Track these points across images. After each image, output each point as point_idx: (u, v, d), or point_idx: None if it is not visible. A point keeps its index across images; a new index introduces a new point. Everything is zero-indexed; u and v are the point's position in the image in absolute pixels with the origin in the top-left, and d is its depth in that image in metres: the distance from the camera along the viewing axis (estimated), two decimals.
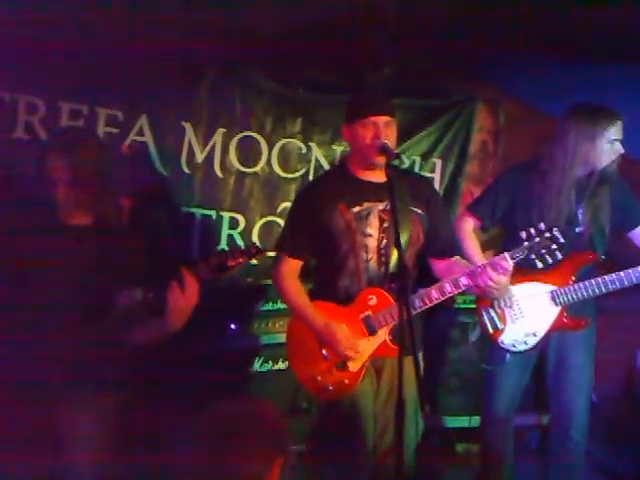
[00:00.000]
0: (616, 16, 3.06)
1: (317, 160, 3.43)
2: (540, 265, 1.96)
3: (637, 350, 3.34)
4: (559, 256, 1.95)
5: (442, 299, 2.08)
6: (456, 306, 3.20)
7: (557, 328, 2.42)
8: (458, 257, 2.23)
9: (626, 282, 2.32)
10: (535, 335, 2.42)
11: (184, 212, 3.22)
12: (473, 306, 2.70)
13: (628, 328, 3.39)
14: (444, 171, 3.56)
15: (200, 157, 3.27)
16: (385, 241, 2.11)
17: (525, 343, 2.43)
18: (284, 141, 3.40)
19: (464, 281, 2.03)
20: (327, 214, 2.13)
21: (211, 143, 3.27)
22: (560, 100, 3.50)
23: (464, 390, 3.17)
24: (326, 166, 3.39)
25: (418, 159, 3.53)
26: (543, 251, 1.94)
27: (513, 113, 3.59)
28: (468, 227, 2.54)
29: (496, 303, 2.43)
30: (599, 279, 2.35)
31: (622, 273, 2.32)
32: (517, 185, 2.46)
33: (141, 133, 3.15)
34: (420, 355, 2.17)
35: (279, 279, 2.19)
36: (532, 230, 1.94)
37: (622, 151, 2.32)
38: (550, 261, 1.95)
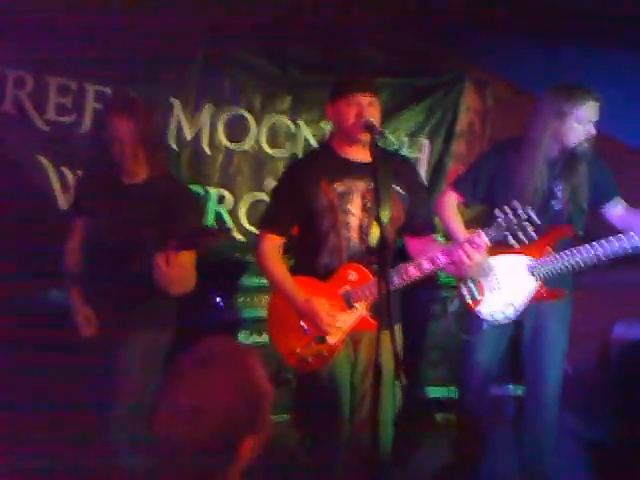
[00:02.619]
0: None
1: (305, 138, 3.46)
2: (515, 244, 2.01)
3: (613, 324, 3.43)
4: (534, 236, 1.99)
5: (420, 276, 2.14)
6: (438, 281, 3.27)
7: (535, 300, 2.47)
8: (434, 236, 2.29)
9: (603, 254, 2.36)
10: (513, 305, 2.48)
11: None
12: (454, 281, 2.77)
13: (604, 302, 3.48)
14: (432, 150, 3.59)
15: (188, 133, 3.30)
16: (367, 219, 2.16)
17: (503, 313, 2.49)
18: (273, 119, 3.43)
19: (441, 258, 2.09)
20: (310, 192, 2.17)
21: (199, 120, 3.30)
22: (547, 82, 3.54)
23: (444, 362, 3.27)
24: (314, 144, 3.42)
25: (406, 139, 3.56)
26: (518, 230, 1.98)
27: (500, 94, 3.62)
28: (451, 202, 2.59)
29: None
30: (574, 250, 2.39)
31: (598, 244, 2.36)
32: (498, 163, 2.51)
33: None
34: (398, 328, 2.25)
35: (261, 255, 2.24)
36: (507, 209, 1.99)
37: (593, 132, 2.33)
38: (525, 240, 1.99)
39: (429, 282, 3.19)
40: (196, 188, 3.28)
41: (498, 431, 2.93)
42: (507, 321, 2.51)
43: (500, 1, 3.19)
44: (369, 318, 2.16)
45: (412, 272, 2.13)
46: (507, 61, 3.52)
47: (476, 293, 2.52)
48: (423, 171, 3.56)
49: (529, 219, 1.97)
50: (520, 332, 2.59)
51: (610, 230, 2.49)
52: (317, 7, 3.24)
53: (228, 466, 1.12)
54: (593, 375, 3.37)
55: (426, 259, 2.12)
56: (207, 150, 3.33)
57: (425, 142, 3.58)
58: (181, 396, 1.09)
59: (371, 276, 2.14)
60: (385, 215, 2.13)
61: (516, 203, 1.99)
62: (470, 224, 2.68)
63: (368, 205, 2.15)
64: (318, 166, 2.21)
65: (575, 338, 2.89)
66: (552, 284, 2.46)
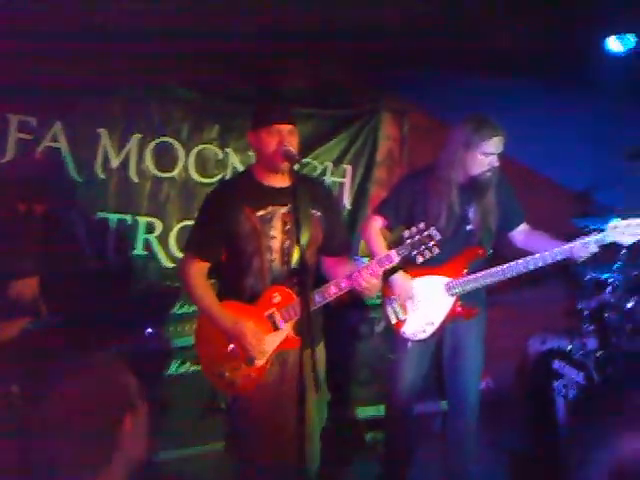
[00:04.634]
0: (513, 33, 3.37)
1: (234, 166, 3.55)
2: (420, 260, 2.16)
3: (529, 339, 3.65)
4: (436, 251, 2.15)
5: (339, 294, 2.25)
6: (366, 302, 3.40)
7: (452, 317, 2.64)
8: (348, 258, 2.41)
9: (509, 273, 2.56)
10: (433, 324, 2.64)
11: (98, 217, 3.25)
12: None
13: (521, 319, 3.71)
14: (354, 176, 3.78)
15: (115, 162, 3.31)
16: (288, 242, 2.26)
17: (424, 332, 2.64)
18: (201, 147, 3.50)
19: (343, 283, 2.22)
20: (234, 218, 2.24)
21: (127, 149, 3.33)
22: (461, 111, 3.80)
23: (374, 381, 3.38)
24: None
25: (330, 165, 3.73)
26: (422, 247, 2.14)
27: (417, 123, 3.85)
28: (375, 226, 2.73)
29: (398, 296, 2.63)
30: (486, 271, 2.59)
31: (505, 265, 2.56)
32: (415, 188, 2.68)
33: (55, 139, 3.17)
34: (321, 345, 2.35)
35: (188, 280, 2.29)
36: (413, 229, 2.15)
37: (496, 164, 2.54)
38: (428, 256, 2.15)
39: (358, 303, 3.33)
40: (124, 217, 3.29)
41: (427, 445, 3.04)
42: (429, 339, 2.66)
43: (416, 34, 3.41)
44: (294, 336, 2.24)
45: (332, 291, 2.23)
46: (423, 91, 3.75)
47: (400, 313, 2.65)
48: (347, 195, 3.74)
49: (432, 237, 2.13)
50: (441, 350, 2.73)
51: (515, 251, 2.70)
52: (243, 39, 3.36)
53: (111, 454, 1.18)
54: (511, 387, 3.57)
55: (344, 279, 2.23)
56: (135, 178, 3.35)
57: (348, 168, 3.76)
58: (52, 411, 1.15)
59: (294, 296, 2.22)
60: (304, 237, 2.24)
61: (422, 224, 2.15)
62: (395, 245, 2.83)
63: (288, 228, 2.25)
64: (240, 193, 2.29)
65: (496, 353, 3.07)
66: (467, 301, 2.63)
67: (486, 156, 2.52)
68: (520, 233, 2.74)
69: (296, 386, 1.95)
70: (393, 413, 2.83)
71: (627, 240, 2.45)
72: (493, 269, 2.58)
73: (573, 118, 3.81)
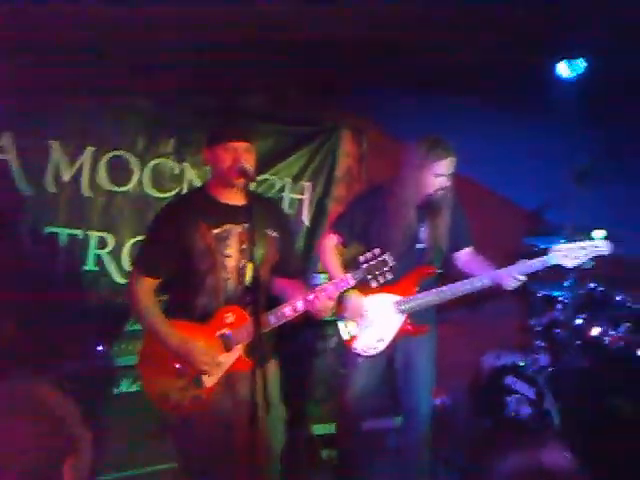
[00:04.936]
0: (468, 53, 3.46)
1: (190, 180, 3.51)
2: (374, 284, 2.19)
3: (482, 356, 3.71)
4: (389, 277, 2.19)
5: (295, 315, 2.24)
6: (323, 320, 3.38)
7: (402, 334, 2.67)
8: (301, 281, 2.40)
9: (456, 293, 2.61)
10: (383, 340, 2.66)
11: (48, 232, 3.16)
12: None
13: (477, 335, 3.77)
14: (313, 193, 3.79)
15: (67, 175, 3.23)
16: (243, 261, 2.23)
17: (375, 348, 2.66)
18: (156, 161, 3.44)
19: (299, 306, 2.22)
20: (188, 235, 2.20)
21: (79, 161, 3.25)
22: (417, 130, 3.86)
23: (330, 398, 3.36)
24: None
25: (289, 181, 3.73)
26: (377, 272, 2.17)
27: (375, 141, 3.89)
28: (331, 244, 2.75)
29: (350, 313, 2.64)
30: (433, 290, 2.64)
31: (453, 285, 2.62)
32: (370, 205, 2.70)
33: (3, 151, 3.07)
34: (274, 364, 2.33)
35: (134, 296, 2.22)
36: (369, 254, 2.18)
37: (446, 185, 2.59)
38: (382, 281, 2.19)
39: (311, 320, 3.31)
40: (75, 232, 3.20)
41: (382, 461, 3.04)
42: (379, 355, 2.67)
43: (372, 53, 3.46)
44: (245, 358, 2.20)
45: (287, 313, 2.22)
46: (381, 110, 3.80)
47: (352, 330, 2.67)
48: (306, 212, 3.74)
49: (386, 263, 2.16)
50: (393, 366, 2.75)
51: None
52: (202, 53, 3.34)
53: None
54: (466, 404, 3.61)
55: (300, 301, 2.21)
56: (87, 192, 3.27)
57: (307, 185, 3.77)
58: None
59: (248, 317, 2.19)
60: (260, 257, 2.23)
61: (378, 250, 2.17)
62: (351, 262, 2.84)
63: (244, 247, 2.22)
64: (196, 209, 2.25)
65: (451, 369, 3.10)
66: (417, 319, 2.66)
67: (437, 177, 2.56)
68: (465, 255, 2.79)
69: (247, 408, 1.93)
70: (343, 428, 2.84)
71: (569, 263, 2.53)
72: (440, 288, 2.63)
73: (526, 138, 3.93)
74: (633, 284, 3.31)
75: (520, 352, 3.50)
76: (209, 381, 2.18)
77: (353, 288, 2.49)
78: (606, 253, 2.54)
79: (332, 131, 3.81)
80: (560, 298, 3.30)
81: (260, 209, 2.25)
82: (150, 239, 2.31)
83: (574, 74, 3.66)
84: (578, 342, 3.21)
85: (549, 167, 3.73)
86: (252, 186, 3.59)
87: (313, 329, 3.37)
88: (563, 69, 3.70)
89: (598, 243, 2.55)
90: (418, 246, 2.68)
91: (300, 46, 3.25)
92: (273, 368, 2.32)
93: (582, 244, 2.53)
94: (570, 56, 3.62)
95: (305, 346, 3.36)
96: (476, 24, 3.14)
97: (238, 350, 2.21)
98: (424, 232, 2.68)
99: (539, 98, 3.68)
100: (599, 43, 3.28)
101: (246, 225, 2.17)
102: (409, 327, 2.66)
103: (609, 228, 3.31)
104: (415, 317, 2.66)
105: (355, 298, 2.63)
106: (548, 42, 3.37)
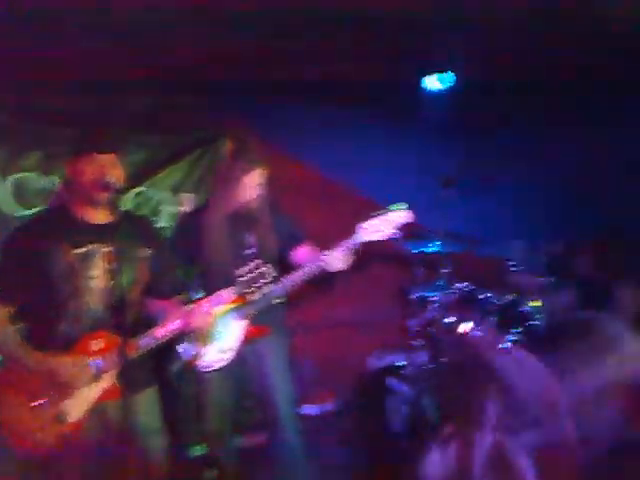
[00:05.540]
0: (344, 65, 3.56)
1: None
2: (257, 296, 2.19)
3: (369, 357, 3.84)
4: (270, 288, 2.21)
5: (169, 336, 2.17)
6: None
7: (247, 339, 2.63)
8: (176, 299, 2.33)
9: (287, 285, 2.57)
10: (228, 350, 2.62)
11: None
12: None
13: (361, 339, 3.89)
14: (195, 204, 3.69)
15: None
16: (111, 282, 2.12)
17: (222, 360, 2.61)
18: (19, 175, 3.22)
19: (174, 325, 2.17)
20: (47, 257, 2.06)
21: None
22: (299, 142, 3.91)
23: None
24: None
25: (168, 194, 3.62)
26: (254, 284, 2.17)
27: (257, 151, 3.86)
28: None
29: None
30: (265, 287, 2.57)
31: (274, 285, 2.58)
32: (193, 224, 2.67)
33: None
34: (149, 390, 2.24)
35: None
36: (245, 268, 2.17)
37: (259, 193, 2.65)
38: (260, 294, 2.18)
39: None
40: None
41: (265, 476, 3.02)
42: (228, 365, 2.62)
43: (253, 63, 3.46)
44: (115, 386, 2.09)
45: (159, 334, 2.15)
46: (262, 119, 3.81)
47: (191, 349, 2.51)
48: None
49: (263, 275, 2.17)
50: (247, 377, 2.72)
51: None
52: (74, 61, 3.14)
53: None
54: (351, 406, 3.71)
55: (175, 320, 2.16)
56: None
57: (188, 197, 3.67)
58: None
59: (118, 342, 2.09)
60: (129, 278, 2.14)
61: (254, 263, 2.18)
62: None
63: (111, 268, 2.11)
64: (53, 228, 2.12)
65: (338, 372, 3.17)
66: (265, 321, 2.62)
67: (248, 187, 2.61)
68: (300, 252, 2.78)
69: (121, 440, 1.84)
70: (212, 445, 2.77)
71: (375, 237, 2.55)
72: (271, 285, 2.58)
73: (398, 147, 4.12)
74: (498, 282, 3.59)
75: (401, 352, 3.66)
76: (75, 416, 2.04)
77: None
78: (406, 221, 2.58)
79: (212, 141, 3.73)
80: (433, 298, 3.49)
81: (129, 226, 2.17)
82: (1, 262, 2.13)
83: (444, 86, 3.90)
84: (451, 339, 3.40)
85: (420, 174, 3.94)
86: (128, 199, 3.51)
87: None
88: (432, 81, 3.93)
89: (398, 213, 2.58)
90: (247, 251, 2.66)
91: (183, 54, 3.19)
92: (149, 394, 2.23)
93: (384, 217, 2.56)
94: (441, 69, 3.85)
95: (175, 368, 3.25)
96: (357, 36, 3.24)
97: (109, 378, 2.10)
98: (250, 238, 2.69)
99: (411, 109, 3.88)
100: (465, 57, 3.51)
101: (112, 244, 2.08)
102: (252, 330, 2.62)
103: (473, 232, 3.58)
104: (259, 320, 2.62)
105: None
106: (419, 54, 3.55)
